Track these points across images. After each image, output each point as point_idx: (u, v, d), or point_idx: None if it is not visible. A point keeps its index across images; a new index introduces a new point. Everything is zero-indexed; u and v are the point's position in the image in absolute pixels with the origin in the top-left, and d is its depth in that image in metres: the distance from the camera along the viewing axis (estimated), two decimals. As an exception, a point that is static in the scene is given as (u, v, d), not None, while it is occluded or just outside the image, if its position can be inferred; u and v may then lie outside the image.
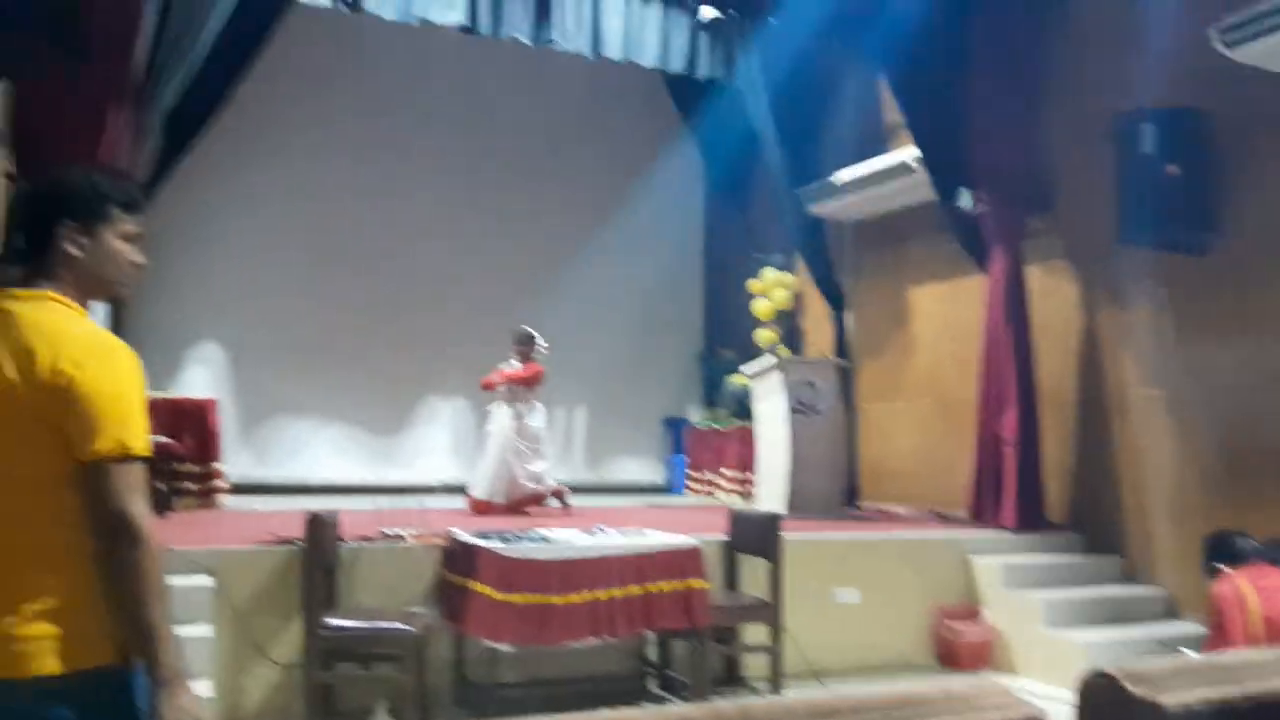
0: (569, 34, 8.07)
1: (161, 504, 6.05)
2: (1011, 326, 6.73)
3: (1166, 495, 6.14)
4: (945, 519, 7.21)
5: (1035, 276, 6.95)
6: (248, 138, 8.77)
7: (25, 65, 4.54)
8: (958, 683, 1.60)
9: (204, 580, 4.58)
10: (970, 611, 6.08)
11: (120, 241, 1.94)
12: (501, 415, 7.26)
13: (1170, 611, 6.02)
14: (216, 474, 7.18)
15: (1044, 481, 6.67)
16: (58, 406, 1.76)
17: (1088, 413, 6.72)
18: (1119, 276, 6.49)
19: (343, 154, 9.26)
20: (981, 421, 6.85)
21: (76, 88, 4.95)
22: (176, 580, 4.29)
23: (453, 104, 9.57)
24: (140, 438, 1.81)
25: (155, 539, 1.79)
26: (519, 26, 7.87)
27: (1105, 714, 1.68)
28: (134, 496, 1.77)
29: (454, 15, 7.59)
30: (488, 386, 7.43)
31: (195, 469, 6.98)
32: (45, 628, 1.78)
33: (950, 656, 5.92)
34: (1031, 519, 6.54)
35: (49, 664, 1.77)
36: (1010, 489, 6.58)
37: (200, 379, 8.75)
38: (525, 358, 7.35)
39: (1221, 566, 4.36)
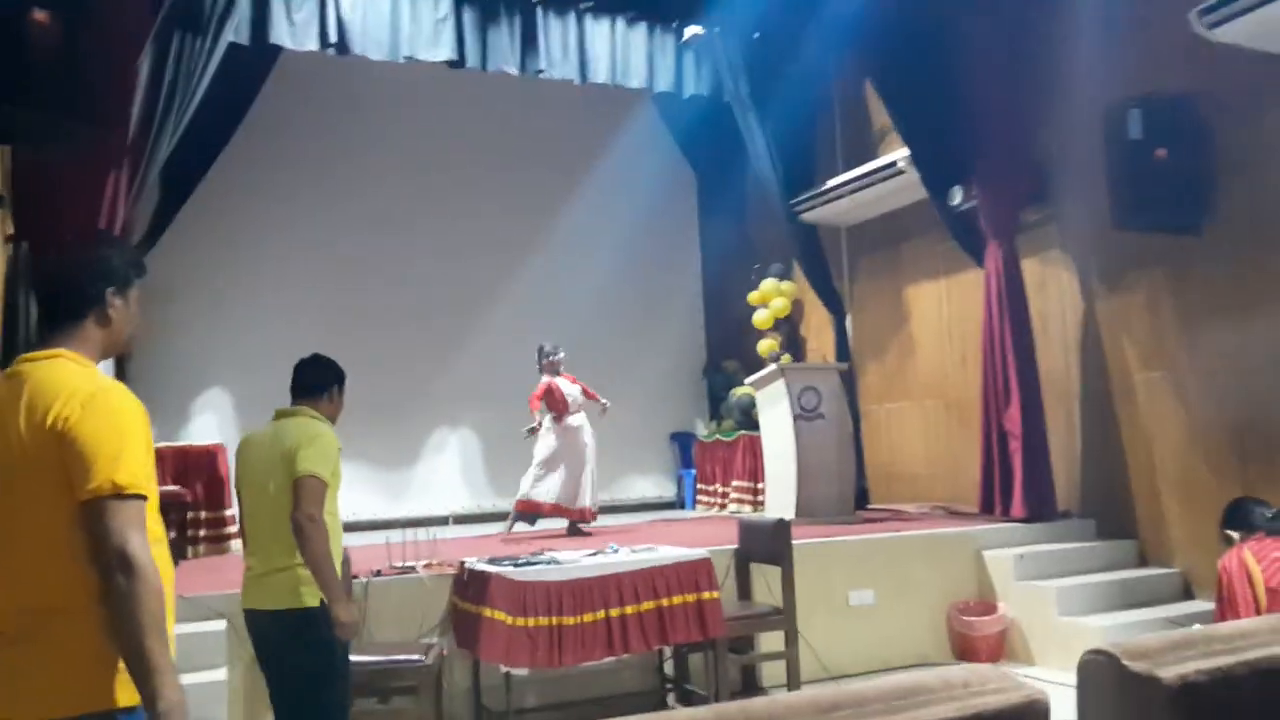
0: (556, 62, 8.12)
1: (173, 552, 6.06)
2: (1010, 319, 6.74)
3: (1175, 477, 6.13)
4: (956, 515, 7.19)
5: (1032, 268, 6.97)
6: (244, 186, 8.83)
7: (23, 129, 4.56)
8: (957, 671, 1.61)
9: (217, 625, 4.59)
10: (986, 605, 6.06)
11: (137, 304, 2.16)
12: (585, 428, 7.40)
13: (1185, 592, 6.01)
14: (228, 520, 7.18)
15: (1052, 471, 6.66)
16: (60, 453, 1.85)
17: (1092, 400, 6.71)
18: (1114, 263, 6.52)
19: (339, 195, 9.29)
20: (986, 416, 6.86)
21: (75, 150, 4.95)
22: (190, 627, 4.34)
23: (444, 139, 9.61)
24: (131, 474, 1.85)
25: (152, 573, 1.82)
26: (507, 58, 7.91)
27: (1104, 691, 1.69)
28: (129, 532, 1.82)
29: (442, 51, 7.63)
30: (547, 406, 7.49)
31: (205, 515, 6.99)
32: (59, 669, 1.82)
33: (967, 651, 5.90)
34: (1041, 509, 6.54)
35: (59, 706, 1.81)
36: (1018, 481, 6.58)
37: (208, 426, 8.77)
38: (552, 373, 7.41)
39: (1234, 535, 4.36)
